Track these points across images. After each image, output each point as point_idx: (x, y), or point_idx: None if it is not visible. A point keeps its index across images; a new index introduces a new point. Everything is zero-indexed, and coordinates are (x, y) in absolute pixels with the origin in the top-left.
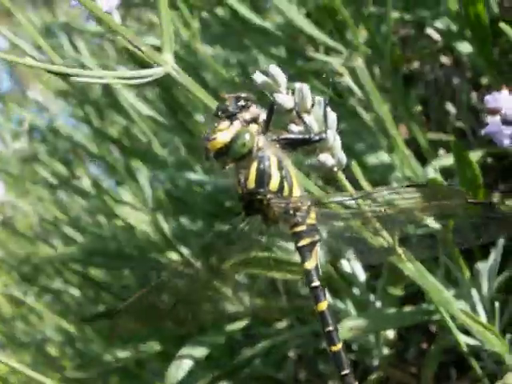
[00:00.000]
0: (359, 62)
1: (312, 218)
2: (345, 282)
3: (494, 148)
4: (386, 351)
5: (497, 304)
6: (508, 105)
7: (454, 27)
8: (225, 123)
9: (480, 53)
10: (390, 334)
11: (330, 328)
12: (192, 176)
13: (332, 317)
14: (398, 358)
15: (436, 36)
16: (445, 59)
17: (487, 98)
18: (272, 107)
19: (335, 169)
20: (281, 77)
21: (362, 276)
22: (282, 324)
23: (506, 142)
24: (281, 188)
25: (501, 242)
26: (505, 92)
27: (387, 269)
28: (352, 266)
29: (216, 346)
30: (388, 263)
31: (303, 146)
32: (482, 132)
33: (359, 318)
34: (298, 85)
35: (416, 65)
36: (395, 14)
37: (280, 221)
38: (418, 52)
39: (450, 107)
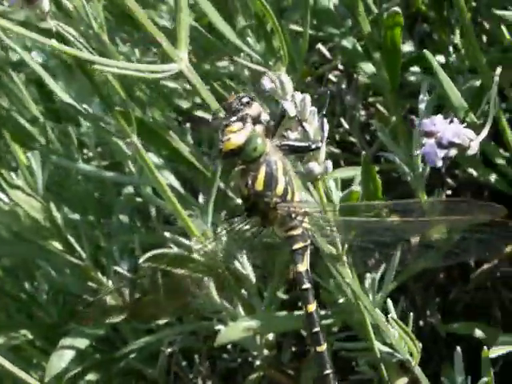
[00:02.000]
0: (283, 72)
1: (306, 223)
2: (236, 282)
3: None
4: (265, 352)
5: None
6: (443, 129)
7: (359, 47)
8: (238, 124)
9: (390, 75)
10: (270, 335)
11: (317, 329)
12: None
13: (319, 318)
14: (277, 359)
15: (327, 53)
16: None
17: (424, 120)
18: (283, 114)
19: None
20: (289, 84)
21: (252, 278)
22: (162, 321)
23: (439, 163)
24: (285, 192)
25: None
26: (440, 116)
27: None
28: (244, 267)
29: (96, 337)
30: (278, 266)
31: (299, 154)
32: (417, 152)
33: (248, 320)
34: (300, 95)
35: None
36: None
37: (276, 223)
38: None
39: (343, 122)
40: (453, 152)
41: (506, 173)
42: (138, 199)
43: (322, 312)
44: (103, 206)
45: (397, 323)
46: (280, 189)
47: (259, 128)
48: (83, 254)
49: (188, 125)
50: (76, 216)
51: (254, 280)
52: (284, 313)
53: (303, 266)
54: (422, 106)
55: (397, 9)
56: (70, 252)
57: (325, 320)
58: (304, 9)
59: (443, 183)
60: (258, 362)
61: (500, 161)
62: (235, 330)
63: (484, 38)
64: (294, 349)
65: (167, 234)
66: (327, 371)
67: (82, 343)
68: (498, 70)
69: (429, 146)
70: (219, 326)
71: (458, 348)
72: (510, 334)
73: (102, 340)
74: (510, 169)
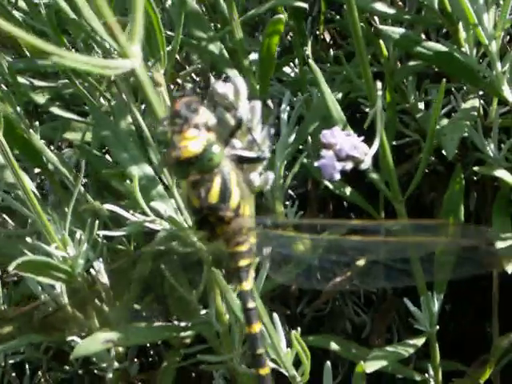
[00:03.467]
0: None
1: (253, 239)
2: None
3: None
4: (116, 364)
5: None
6: (342, 141)
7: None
8: (192, 131)
9: (261, 83)
10: (120, 347)
11: (261, 350)
12: None
13: (262, 339)
14: (126, 371)
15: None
16: None
17: (324, 132)
18: (239, 122)
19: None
20: (243, 88)
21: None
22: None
23: (337, 176)
24: (238, 205)
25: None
26: (338, 128)
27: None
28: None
29: None
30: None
31: (247, 164)
32: (315, 164)
33: (110, 331)
34: (252, 102)
35: None
36: None
37: (223, 238)
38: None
39: None
40: (349, 165)
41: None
42: None
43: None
44: None
45: (297, 339)
46: (234, 202)
47: (212, 136)
48: None
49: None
50: None
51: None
52: (143, 324)
53: (249, 284)
54: (284, 116)
55: (281, 16)
56: None
57: (181, 332)
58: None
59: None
60: (109, 375)
61: None
62: (93, 342)
63: None
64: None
65: (28, 240)
66: None
67: None
68: (379, 84)
69: (327, 159)
70: (72, 338)
71: (328, 362)
72: (381, 350)
73: None
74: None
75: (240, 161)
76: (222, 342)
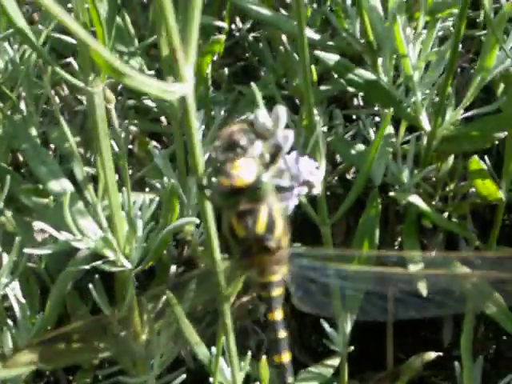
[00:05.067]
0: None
1: (285, 268)
2: None
3: None
4: None
5: None
6: (299, 166)
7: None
8: (246, 160)
9: None
10: None
11: (291, 380)
12: None
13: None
14: None
15: None
16: None
17: (285, 156)
18: (278, 151)
19: None
20: (283, 117)
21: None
22: None
23: (295, 201)
24: (280, 236)
25: None
26: (295, 152)
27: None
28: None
29: None
30: None
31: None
32: None
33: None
34: (286, 131)
35: None
36: None
37: (257, 267)
38: None
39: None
40: (304, 190)
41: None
42: None
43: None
44: None
45: None
46: (278, 232)
47: (260, 165)
48: None
49: None
50: None
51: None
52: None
53: (281, 314)
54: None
55: (222, 36)
56: None
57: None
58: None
59: None
60: None
61: None
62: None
63: None
64: None
65: None
66: None
67: None
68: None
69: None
70: None
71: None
72: (307, 371)
73: None
74: None
75: (276, 190)
76: (137, 363)
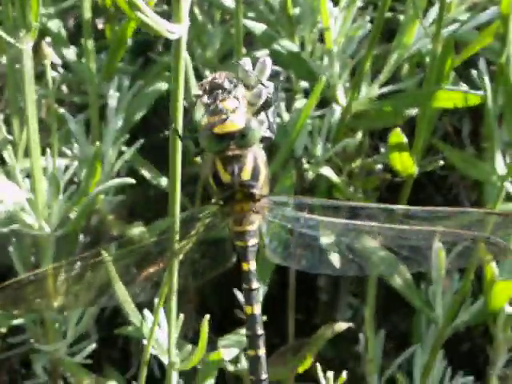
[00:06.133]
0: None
1: (261, 218)
2: None
3: None
4: None
5: None
6: None
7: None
8: (233, 102)
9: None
10: None
11: (261, 331)
12: None
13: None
14: None
15: None
16: None
17: None
18: (267, 99)
19: None
20: (268, 68)
21: None
22: None
23: None
24: (263, 184)
25: None
26: None
27: None
28: None
29: None
30: None
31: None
32: None
33: None
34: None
35: None
36: None
37: (234, 216)
38: None
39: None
40: None
41: None
42: None
43: None
44: None
45: None
46: (262, 180)
47: (249, 112)
48: None
49: None
50: None
51: None
52: None
53: (254, 264)
54: None
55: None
56: None
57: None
58: None
59: None
60: None
61: None
62: None
63: None
64: None
65: None
66: None
67: None
68: None
69: None
70: None
71: None
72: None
73: None
74: None
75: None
76: (47, 331)
